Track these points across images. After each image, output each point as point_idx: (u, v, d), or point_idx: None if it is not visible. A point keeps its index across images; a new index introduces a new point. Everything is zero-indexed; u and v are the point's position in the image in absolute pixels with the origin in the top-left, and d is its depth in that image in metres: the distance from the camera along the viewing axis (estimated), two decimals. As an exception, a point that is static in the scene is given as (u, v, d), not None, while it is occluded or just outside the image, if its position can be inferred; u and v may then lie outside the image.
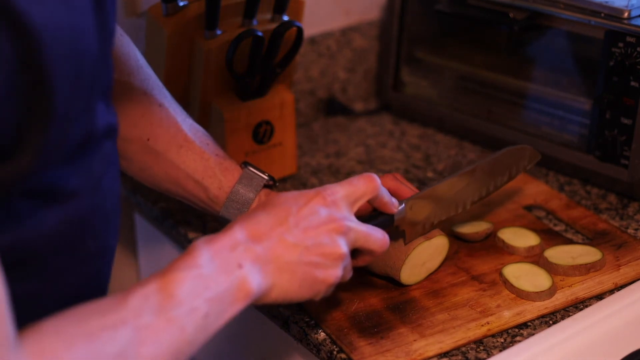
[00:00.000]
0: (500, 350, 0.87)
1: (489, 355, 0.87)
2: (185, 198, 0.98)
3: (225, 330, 0.75)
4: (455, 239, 1.03)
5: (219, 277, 0.70)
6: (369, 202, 0.85)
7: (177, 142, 0.95)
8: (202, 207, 0.98)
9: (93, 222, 0.73)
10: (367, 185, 0.83)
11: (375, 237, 0.82)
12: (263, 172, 0.97)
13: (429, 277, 0.97)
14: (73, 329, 0.63)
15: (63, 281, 0.72)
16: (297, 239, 0.76)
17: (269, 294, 0.75)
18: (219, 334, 0.73)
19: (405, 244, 0.92)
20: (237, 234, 0.74)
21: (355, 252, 0.84)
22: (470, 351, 0.87)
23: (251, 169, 0.96)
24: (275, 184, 0.99)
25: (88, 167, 0.70)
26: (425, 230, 0.94)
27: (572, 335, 0.87)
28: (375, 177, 0.83)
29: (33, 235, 0.67)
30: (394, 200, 0.88)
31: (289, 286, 0.76)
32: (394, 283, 0.95)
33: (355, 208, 0.82)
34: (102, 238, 0.75)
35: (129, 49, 0.95)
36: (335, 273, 0.78)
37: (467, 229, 1.02)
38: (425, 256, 0.95)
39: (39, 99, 0.59)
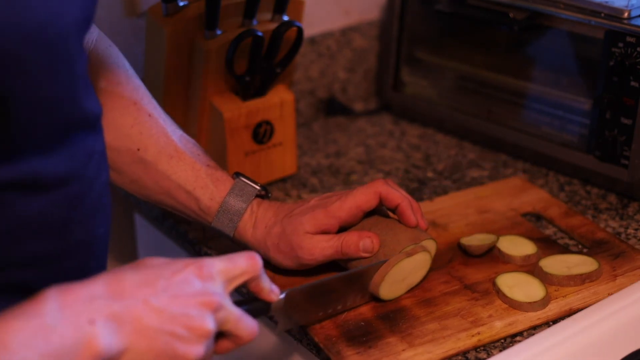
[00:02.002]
0: (500, 350, 0.87)
1: (489, 355, 0.87)
2: (177, 209, 0.98)
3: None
4: (458, 248, 1.02)
5: (64, 330, 0.63)
6: (246, 284, 0.77)
7: (167, 153, 0.95)
8: (194, 218, 0.98)
9: (79, 211, 0.73)
10: (248, 265, 0.75)
11: (246, 324, 0.74)
12: (255, 183, 0.97)
13: (411, 290, 0.95)
14: None
15: (49, 270, 0.72)
16: (163, 304, 0.68)
17: (120, 358, 0.67)
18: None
19: (278, 332, 0.87)
20: (97, 286, 0.67)
21: (218, 336, 0.75)
22: (470, 351, 0.87)
23: (243, 179, 0.96)
24: (268, 195, 0.99)
25: (71, 156, 0.70)
26: (300, 323, 0.88)
27: (572, 335, 0.87)
28: (258, 257, 0.75)
29: (16, 222, 0.68)
30: (274, 287, 0.80)
31: (144, 354, 0.67)
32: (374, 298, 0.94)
33: (232, 287, 0.74)
34: (90, 227, 0.75)
35: (118, 59, 0.95)
36: (198, 350, 0.69)
37: (472, 242, 1.01)
38: (405, 272, 0.93)
39: None
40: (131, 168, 0.94)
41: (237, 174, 0.97)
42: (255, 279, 0.76)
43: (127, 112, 0.93)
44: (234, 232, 0.96)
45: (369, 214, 0.97)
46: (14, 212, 0.68)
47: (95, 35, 0.92)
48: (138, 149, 0.94)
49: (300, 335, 0.91)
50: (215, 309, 0.70)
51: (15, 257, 0.70)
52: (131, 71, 0.96)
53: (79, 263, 0.75)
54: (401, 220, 0.95)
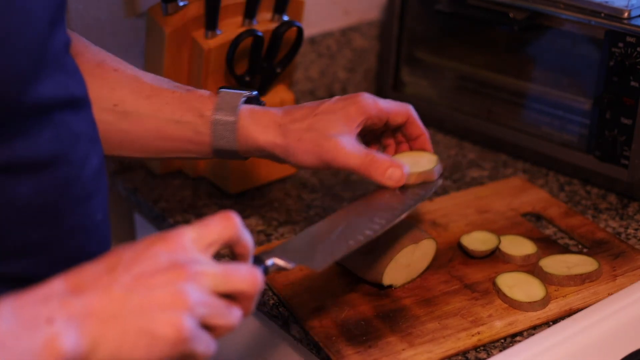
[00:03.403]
0: (500, 350, 0.87)
1: (489, 355, 0.87)
2: (176, 149, 0.93)
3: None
4: (458, 248, 1.02)
5: (19, 333, 0.58)
6: (229, 248, 0.71)
7: (144, 94, 0.91)
8: (195, 150, 0.93)
9: (70, 195, 0.71)
10: (223, 226, 0.68)
11: (238, 275, 0.67)
12: (241, 89, 0.92)
13: (415, 279, 0.96)
14: None
15: (47, 258, 0.71)
16: (127, 287, 0.63)
17: (94, 355, 0.61)
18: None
19: (318, 270, 0.79)
20: (54, 285, 0.62)
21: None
22: (470, 350, 0.87)
23: (226, 90, 0.92)
24: (261, 101, 0.94)
25: (55, 137, 0.69)
26: (335, 258, 0.81)
27: (572, 335, 0.87)
28: (234, 217, 0.69)
29: (6, 208, 0.67)
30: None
31: (121, 344, 0.62)
32: (380, 287, 0.95)
33: (211, 252, 0.68)
34: (84, 212, 0.74)
35: (73, 35, 0.91)
36: (178, 325, 0.63)
37: (475, 245, 1.01)
38: (410, 258, 0.94)
39: None
40: (116, 127, 0.91)
41: (220, 88, 0.93)
42: (235, 240, 0.70)
43: (93, 76, 0.89)
44: (236, 144, 0.92)
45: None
46: (3, 198, 0.67)
47: None
48: (115, 105, 0.90)
49: (300, 334, 0.91)
50: (190, 278, 0.64)
51: (9, 246, 0.69)
52: (88, 42, 0.94)
53: (75, 250, 0.74)
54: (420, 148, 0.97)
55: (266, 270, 0.75)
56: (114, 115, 0.91)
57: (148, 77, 0.93)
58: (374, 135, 0.99)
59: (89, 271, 0.64)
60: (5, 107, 0.65)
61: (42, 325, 0.59)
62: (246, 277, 0.68)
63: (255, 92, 0.93)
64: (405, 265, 0.94)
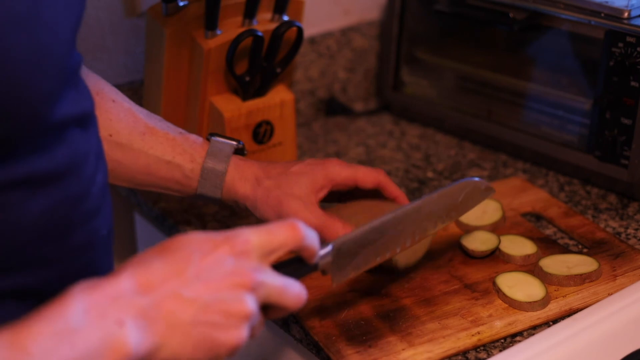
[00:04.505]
0: (500, 350, 0.87)
1: (489, 355, 0.87)
2: (162, 186, 0.97)
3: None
4: (458, 248, 1.02)
5: (90, 332, 0.60)
6: (292, 251, 0.73)
7: (138, 131, 0.95)
8: (179, 190, 0.97)
9: (79, 211, 0.72)
10: (288, 236, 0.70)
11: (292, 293, 0.70)
12: (231, 139, 0.97)
13: (417, 279, 0.96)
14: None
15: (52, 273, 0.71)
16: (195, 293, 0.65)
17: (155, 355, 0.64)
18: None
19: (333, 284, 0.81)
20: (123, 282, 0.64)
21: (267, 306, 0.72)
22: (470, 350, 0.87)
23: (218, 139, 0.96)
24: (244, 151, 0.99)
25: (67, 154, 0.69)
26: (355, 274, 0.82)
27: (572, 335, 0.87)
28: (300, 226, 0.71)
29: (20, 224, 0.67)
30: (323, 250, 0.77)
31: (181, 349, 0.65)
32: (393, 273, 0.96)
33: (272, 259, 0.70)
34: (91, 228, 0.74)
35: None
36: (239, 335, 0.67)
37: (475, 245, 1.01)
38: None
39: None
40: (109, 156, 0.93)
41: (211, 135, 0.97)
42: (300, 248, 0.73)
43: None
44: (220, 193, 0.96)
45: (355, 199, 0.99)
46: (18, 212, 0.67)
47: None
48: (110, 135, 0.93)
49: (300, 334, 0.91)
50: (253, 288, 0.67)
51: (21, 261, 0.69)
52: (87, 68, 0.95)
53: (83, 265, 0.74)
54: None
55: (315, 269, 0.77)
56: (108, 144, 0.93)
57: (143, 113, 0.96)
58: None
59: (156, 270, 0.65)
60: (30, 126, 0.65)
61: (112, 327, 0.61)
62: (296, 296, 0.71)
63: (241, 143, 0.98)
64: (412, 249, 0.94)
